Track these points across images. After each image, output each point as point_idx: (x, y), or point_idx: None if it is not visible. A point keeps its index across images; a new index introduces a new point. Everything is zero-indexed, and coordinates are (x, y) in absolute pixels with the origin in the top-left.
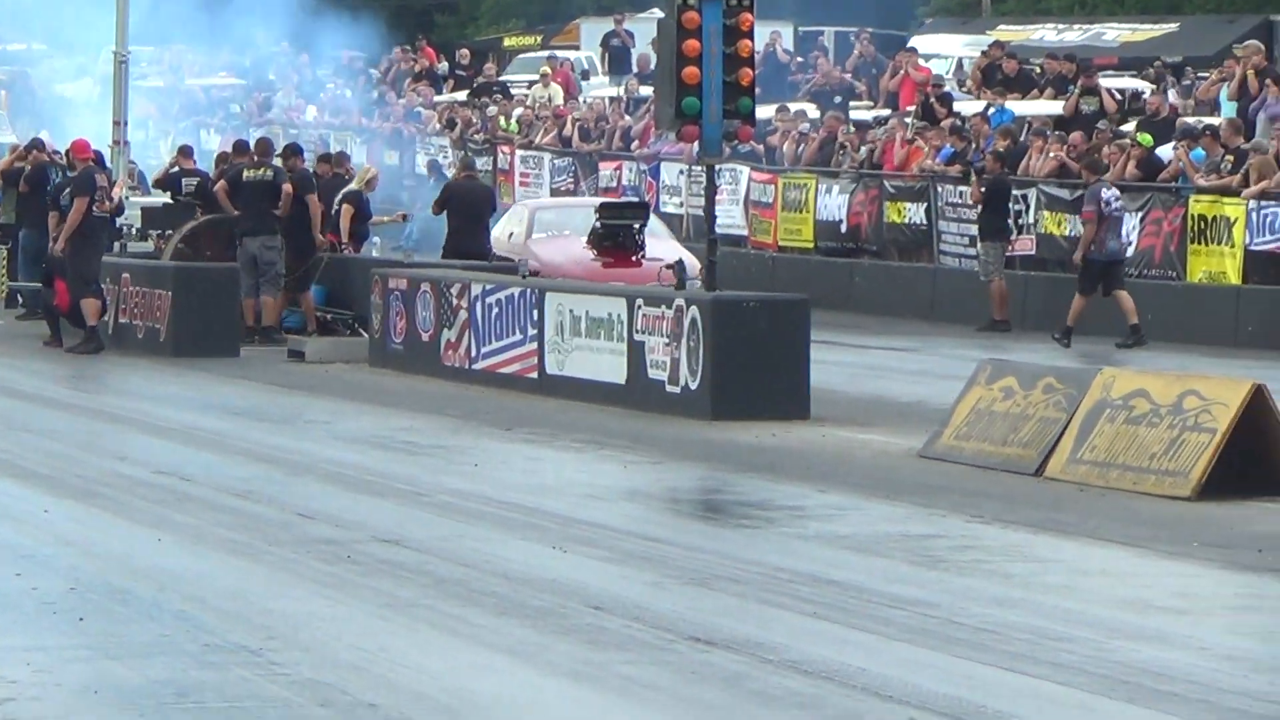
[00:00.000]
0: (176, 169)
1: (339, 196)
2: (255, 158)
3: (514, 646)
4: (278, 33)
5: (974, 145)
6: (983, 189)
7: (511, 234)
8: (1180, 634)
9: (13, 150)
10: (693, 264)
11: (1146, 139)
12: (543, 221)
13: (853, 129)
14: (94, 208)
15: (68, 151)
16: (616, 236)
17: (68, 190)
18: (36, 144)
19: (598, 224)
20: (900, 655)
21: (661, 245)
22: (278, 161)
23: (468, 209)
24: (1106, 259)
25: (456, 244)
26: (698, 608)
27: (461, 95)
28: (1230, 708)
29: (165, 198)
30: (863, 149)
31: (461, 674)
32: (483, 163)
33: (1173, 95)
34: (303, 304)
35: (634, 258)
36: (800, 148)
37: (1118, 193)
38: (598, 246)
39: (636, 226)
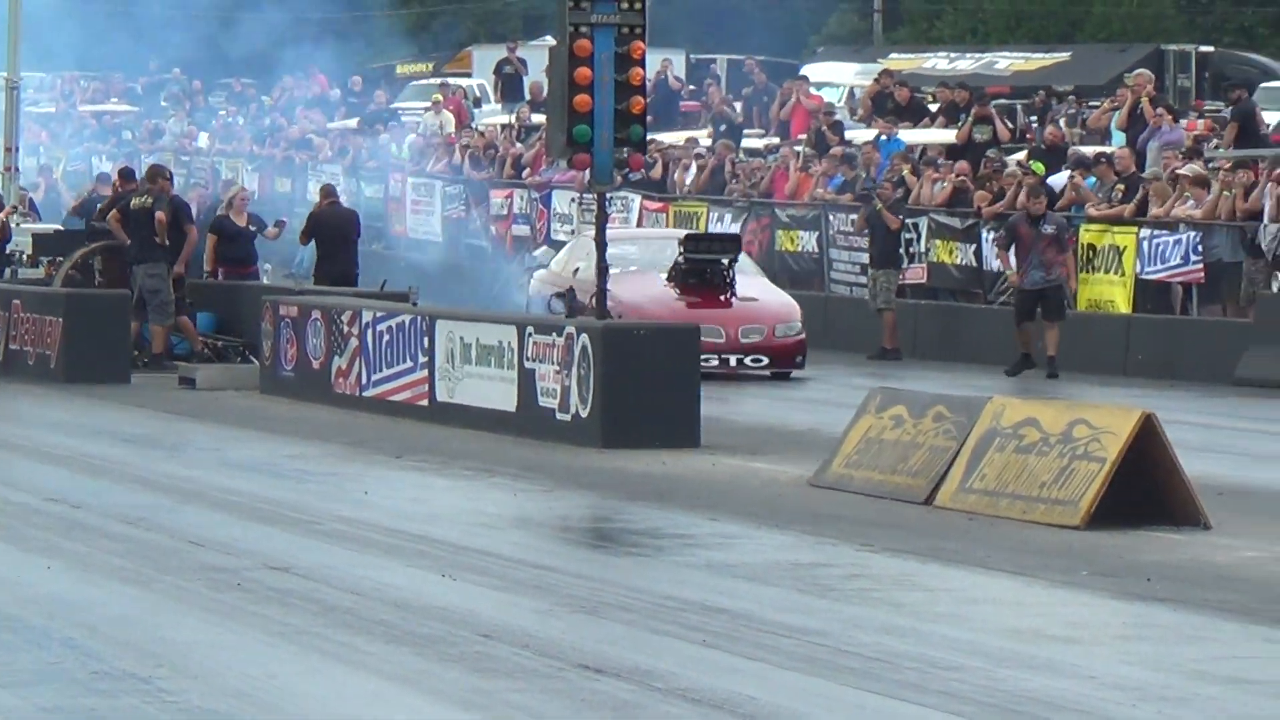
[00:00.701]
0: (93, 193)
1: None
2: (143, 185)
3: (403, 674)
4: (171, 59)
5: (865, 174)
6: (899, 216)
7: (577, 269)
8: (1069, 663)
9: None
10: (791, 309)
11: (1039, 167)
12: (618, 255)
13: (742, 155)
14: None
15: None
16: (703, 273)
17: None
18: None
19: (680, 259)
20: (790, 684)
21: (753, 284)
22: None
23: (333, 234)
24: (1030, 288)
25: (325, 269)
26: (586, 636)
27: (353, 123)
28: None
29: (58, 225)
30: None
31: (350, 702)
32: (374, 190)
33: (1061, 124)
34: (182, 329)
35: (723, 297)
36: (691, 175)
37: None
38: (681, 284)
39: (726, 262)
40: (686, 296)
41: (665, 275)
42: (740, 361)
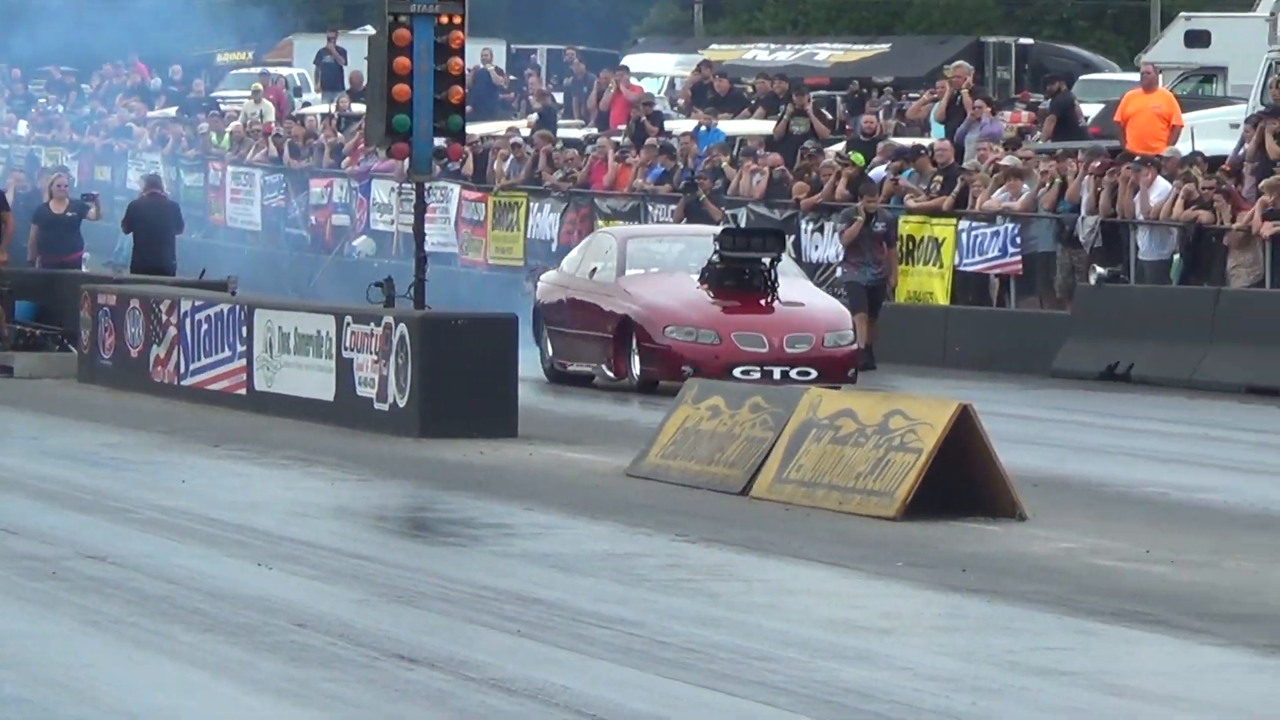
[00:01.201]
0: None
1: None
2: None
3: (218, 663)
4: None
5: (683, 165)
6: (721, 207)
7: (595, 269)
8: (883, 654)
9: None
10: (842, 315)
11: (859, 158)
12: (638, 254)
13: (561, 146)
14: None
15: None
16: (741, 274)
17: None
18: None
19: (715, 257)
20: (605, 674)
21: (796, 286)
22: None
23: (151, 225)
24: (864, 282)
25: (143, 259)
26: (402, 625)
27: (171, 111)
28: None
29: None
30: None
31: (166, 691)
32: (194, 179)
33: (879, 115)
34: None
35: (764, 301)
36: (510, 165)
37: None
38: (716, 286)
39: (767, 262)
40: (722, 300)
41: (698, 276)
42: (785, 375)
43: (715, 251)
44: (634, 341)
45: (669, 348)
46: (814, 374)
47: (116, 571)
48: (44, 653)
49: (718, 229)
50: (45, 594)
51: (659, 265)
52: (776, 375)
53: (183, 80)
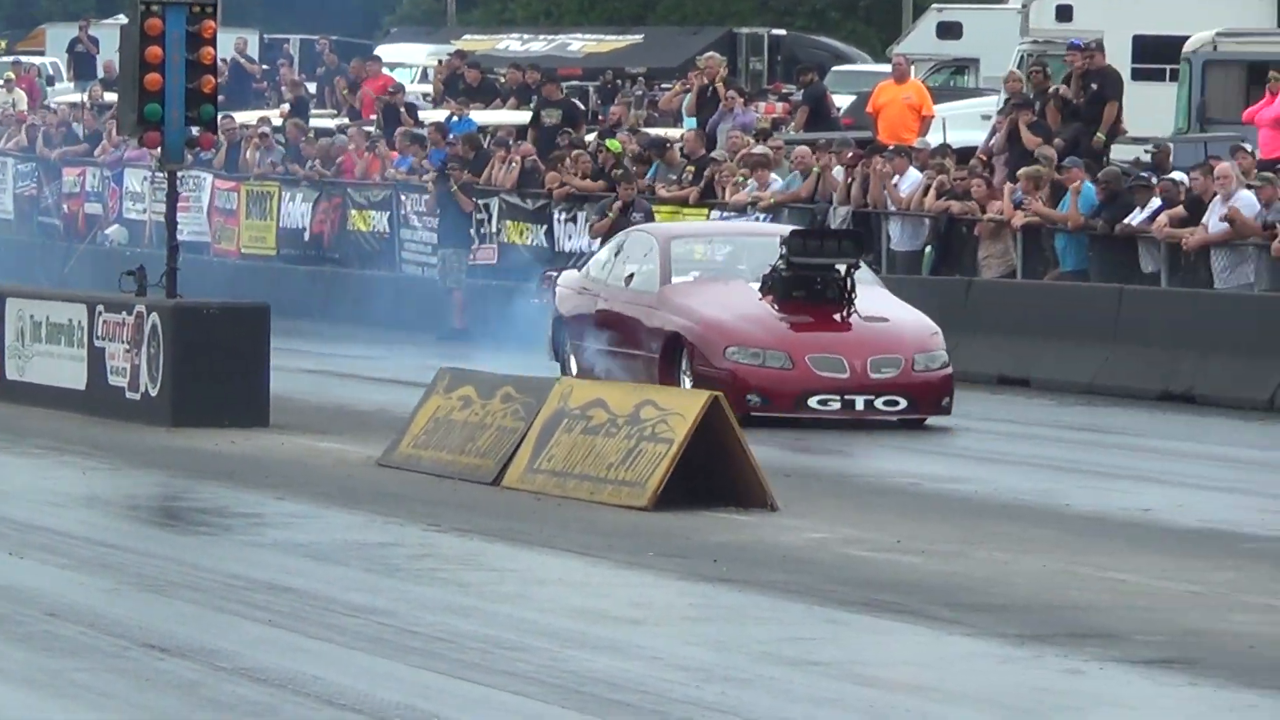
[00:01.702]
0: None
1: None
2: None
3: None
4: None
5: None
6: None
7: (632, 275)
8: (634, 644)
9: None
10: (933, 332)
11: (616, 145)
12: (685, 257)
13: (313, 136)
14: None
15: None
16: (812, 283)
17: None
18: None
19: (781, 263)
20: (356, 664)
21: (877, 298)
22: None
23: None
24: None
25: None
26: (153, 615)
27: None
28: (681, 717)
29: None
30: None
31: None
32: None
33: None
34: None
35: (840, 316)
36: (260, 155)
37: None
38: (783, 298)
39: (843, 269)
40: (791, 315)
41: (759, 285)
42: (869, 404)
43: (780, 256)
44: (686, 363)
45: (731, 373)
46: (903, 403)
47: None
48: None
49: (784, 229)
50: None
51: (707, 270)
52: (859, 405)
53: None
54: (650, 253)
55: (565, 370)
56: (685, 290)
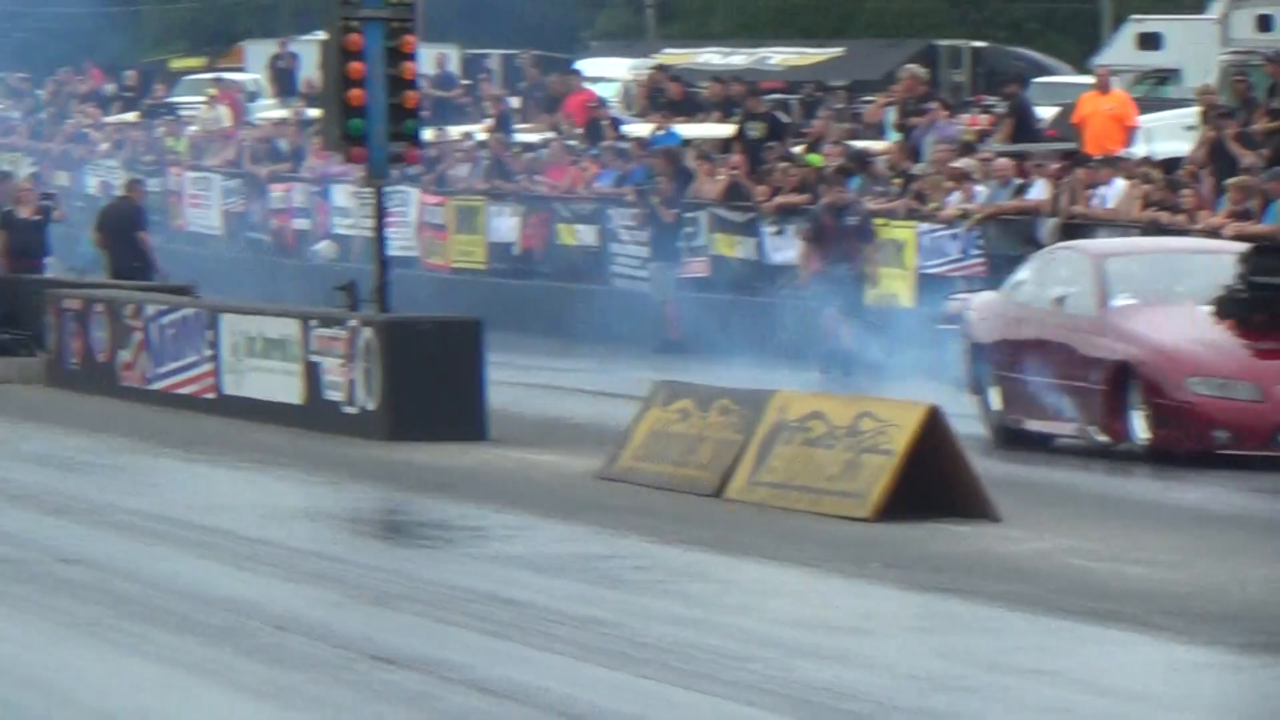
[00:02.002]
0: None
1: None
2: None
3: (197, 664)
4: None
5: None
6: (673, 210)
7: (1061, 297)
8: (861, 653)
9: None
10: None
11: (817, 160)
12: (1124, 276)
13: (517, 150)
14: None
15: None
16: (1276, 305)
17: None
18: None
19: (1239, 283)
20: (583, 674)
21: None
22: None
23: (114, 227)
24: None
25: (113, 263)
26: (378, 627)
27: (129, 116)
28: None
29: None
30: (518, 176)
31: (145, 692)
32: (153, 184)
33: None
34: None
35: None
36: (467, 170)
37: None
38: (1242, 323)
39: None
40: (1254, 342)
41: (1212, 308)
42: None
43: (1239, 275)
44: (1137, 396)
45: (1192, 405)
46: None
47: (91, 574)
48: (21, 655)
49: (1240, 245)
50: (21, 597)
51: (1142, 291)
52: None
53: (138, 85)
54: (1082, 273)
55: (984, 401)
56: (1131, 314)
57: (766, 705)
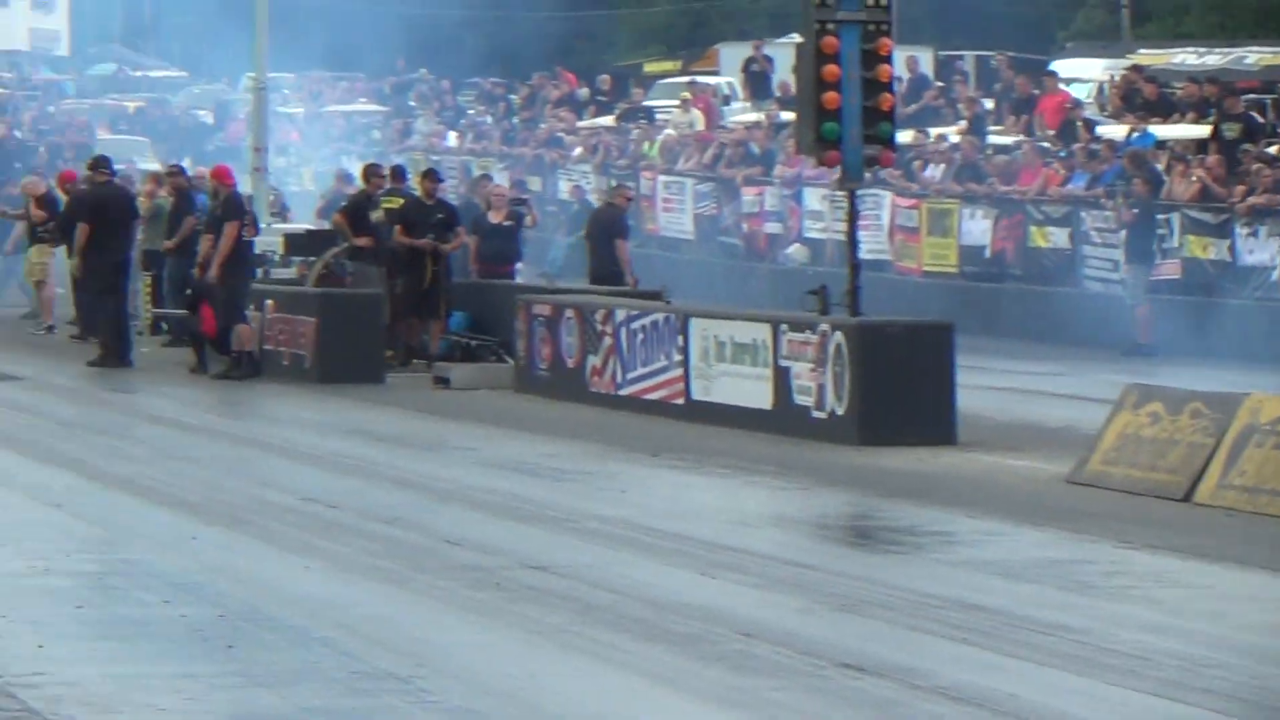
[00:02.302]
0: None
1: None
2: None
3: (662, 672)
4: (417, 60)
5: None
6: (1134, 210)
7: None
8: None
9: (151, 178)
10: None
11: None
12: None
13: (990, 153)
14: (244, 233)
15: (209, 177)
16: None
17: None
18: (176, 170)
19: None
20: (1050, 681)
21: None
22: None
23: (597, 232)
24: None
25: (592, 269)
26: (847, 634)
27: (602, 121)
28: None
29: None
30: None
31: (610, 699)
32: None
33: None
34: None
35: None
36: (941, 172)
37: None
38: None
39: None
40: None
41: None
42: None
43: None
44: None
45: None
46: None
47: (559, 581)
48: (489, 662)
49: None
50: (489, 604)
51: None
52: None
53: (611, 90)
54: None
55: None
56: None
57: (1239, 713)
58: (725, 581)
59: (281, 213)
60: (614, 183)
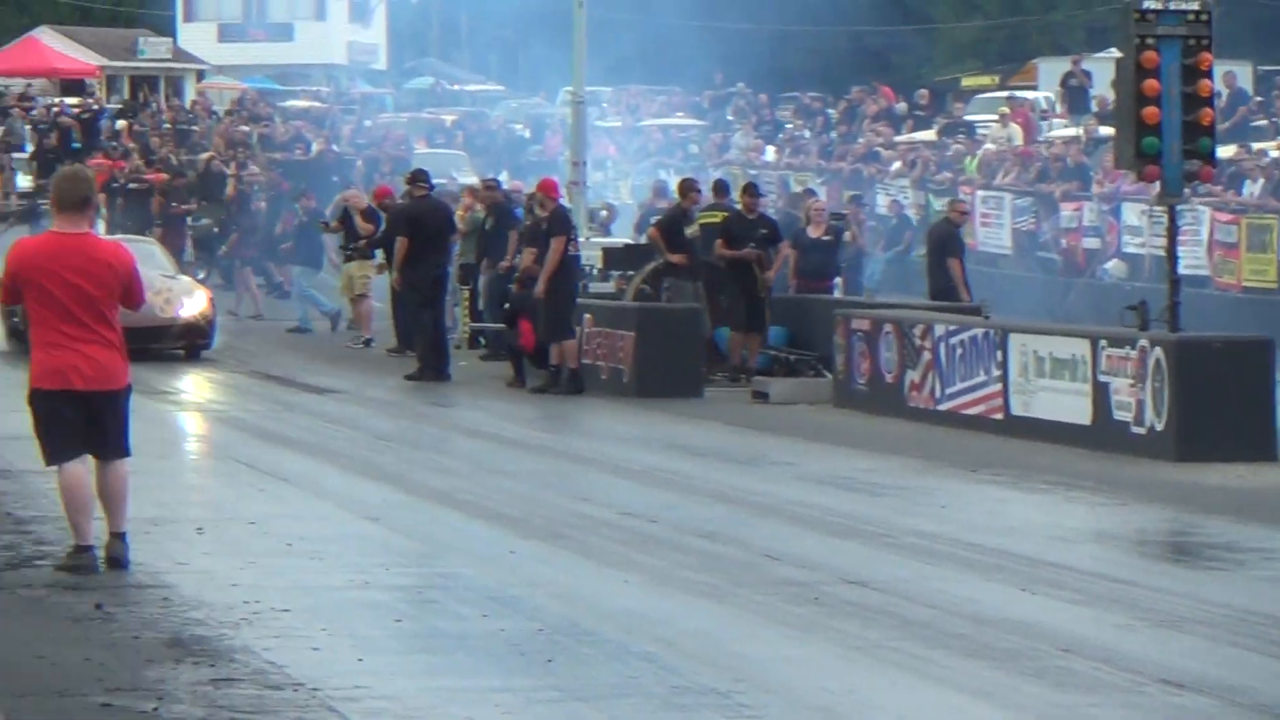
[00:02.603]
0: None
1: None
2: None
3: (980, 687)
4: (735, 74)
5: None
6: None
7: None
8: None
9: (468, 192)
10: None
11: None
12: None
13: None
14: (569, 247)
15: (535, 190)
16: None
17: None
18: (492, 184)
19: None
20: None
21: None
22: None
23: (933, 249)
24: None
25: (930, 284)
26: (1167, 650)
27: (920, 135)
28: None
29: (628, 239)
30: None
31: (928, 714)
32: (943, 203)
33: None
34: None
35: None
36: (1260, 187)
37: None
38: None
39: None
40: None
41: None
42: None
43: None
44: None
45: None
46: None
47: (876, 596)
48: (807, 677)
49: None
50: (807, 619)
51: None
52: None
53: (929, 104)
54: None
55: None
56: None
57: None
58: (1045, 597)
59: (601, 226)
60: (953, 200)
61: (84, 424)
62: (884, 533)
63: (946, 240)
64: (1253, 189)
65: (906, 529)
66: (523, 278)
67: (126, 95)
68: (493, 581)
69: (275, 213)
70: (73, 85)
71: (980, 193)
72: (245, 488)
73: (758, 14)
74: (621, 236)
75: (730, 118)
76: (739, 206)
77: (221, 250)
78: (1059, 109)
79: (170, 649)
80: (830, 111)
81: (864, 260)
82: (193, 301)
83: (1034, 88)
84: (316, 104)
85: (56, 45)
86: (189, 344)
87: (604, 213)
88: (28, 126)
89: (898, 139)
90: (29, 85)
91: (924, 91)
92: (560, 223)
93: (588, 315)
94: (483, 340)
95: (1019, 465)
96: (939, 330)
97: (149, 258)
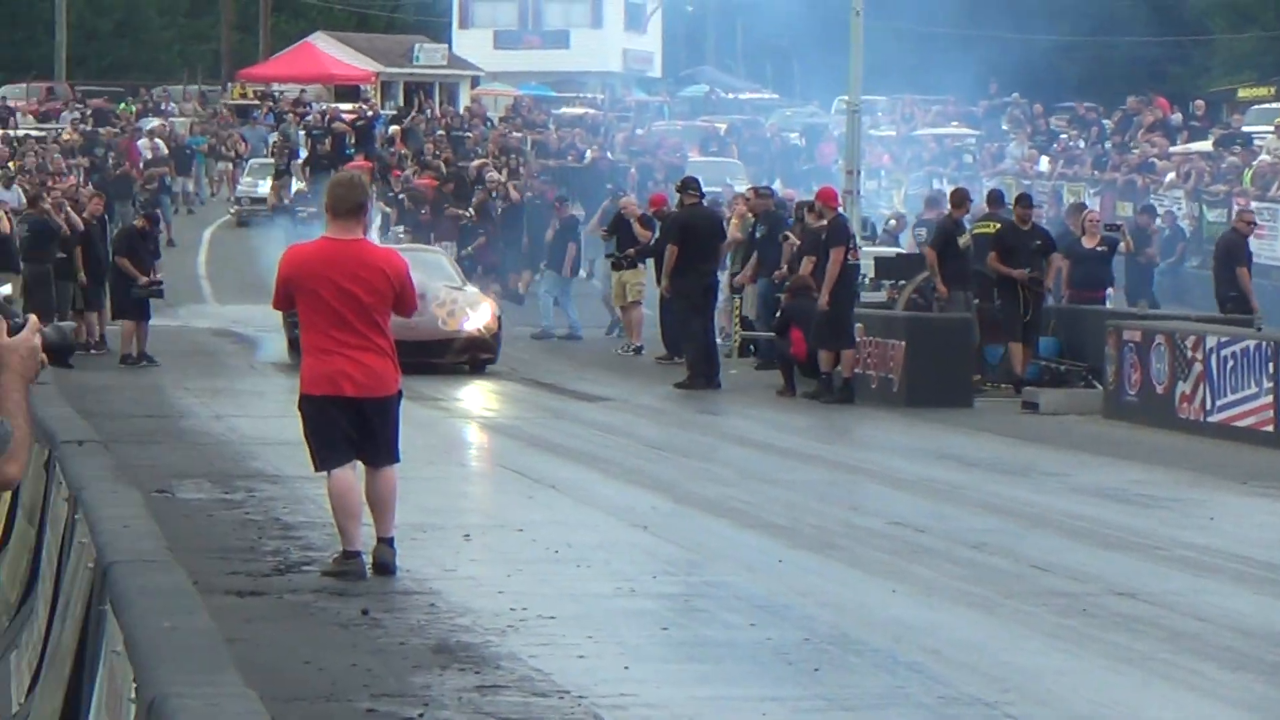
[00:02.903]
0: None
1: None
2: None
3: (1250, 700)
4: (1009, 83)
5: None
6: None
7: None
8: None
9: (739, 199)
10: None
11: None
12: None
13: None
14: (849, 257)
15: (807, 203)
16: None
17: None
18: (766, 192)
19: None
20: None
21: None
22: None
23: (1220, 259)
24: None
25: (1218, 294)
26: None
27: (1195, 146)
28: None
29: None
30: None
31: None
32: (1216, 214)
33: None
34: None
35: None
36: None
37: None
38: None
39: None
40: None
41: None
42: None
43: None
44: None
45: None
46: None
47: (1146, 608)
48: (1075, 688)
49: None
50: (1076, 631)
51: None
52: None
53: (1205, 115)
54: None
55: None
56: None
57: None
58: None
59: (890, 235)
60: (1240, 210)
61: (354, 430)
62: (1153, 545)
63: (1233, 250)
64: None
65: (1176, 541)
66: (795, 286)
67: (401, 102)
68: (761, 590)
69: (543, 220)
70: (347, 91)
71: (1255, 204)
72: (514, 494)
73: (1036, 24)
74: (899, 247)
75: (1005, 127)
76: (1013, 218)
77: (465, 251)
78: None
79: (436, 655)
80: (1105, 122)
81: (1153, 271)
82: (477, 314)
83: None
84: (591, 111)
85: (332, 51)
86: (472, 358)
87: (893, 222)
88: (302, 132)
89: (1173, 149)
90: (302, 91)
91: (1199, 102)
92: (839, 232)
93: (859, 324)
94: (754, 348)
95: None
96: (1210, 342)
97: (436, 268)
